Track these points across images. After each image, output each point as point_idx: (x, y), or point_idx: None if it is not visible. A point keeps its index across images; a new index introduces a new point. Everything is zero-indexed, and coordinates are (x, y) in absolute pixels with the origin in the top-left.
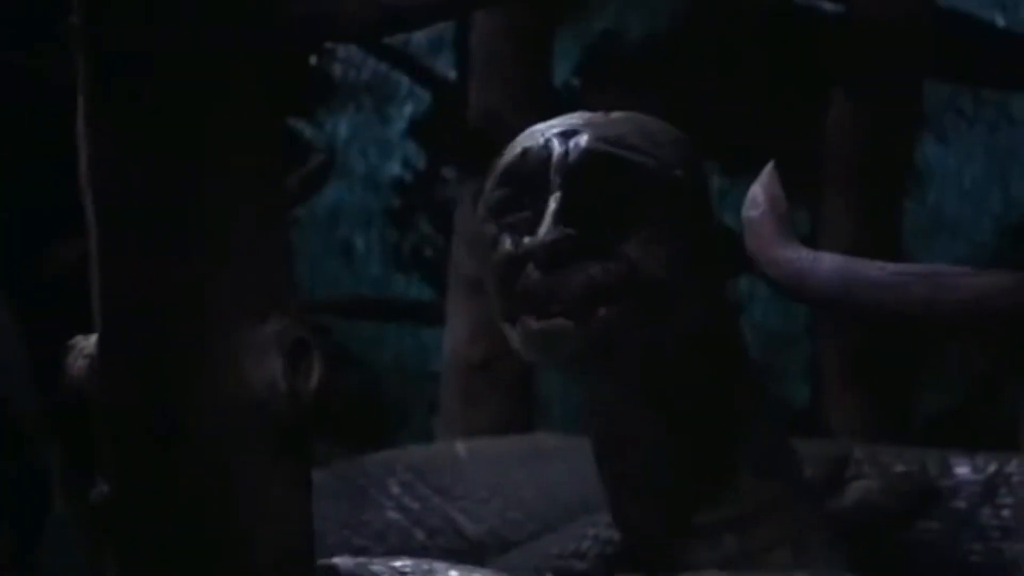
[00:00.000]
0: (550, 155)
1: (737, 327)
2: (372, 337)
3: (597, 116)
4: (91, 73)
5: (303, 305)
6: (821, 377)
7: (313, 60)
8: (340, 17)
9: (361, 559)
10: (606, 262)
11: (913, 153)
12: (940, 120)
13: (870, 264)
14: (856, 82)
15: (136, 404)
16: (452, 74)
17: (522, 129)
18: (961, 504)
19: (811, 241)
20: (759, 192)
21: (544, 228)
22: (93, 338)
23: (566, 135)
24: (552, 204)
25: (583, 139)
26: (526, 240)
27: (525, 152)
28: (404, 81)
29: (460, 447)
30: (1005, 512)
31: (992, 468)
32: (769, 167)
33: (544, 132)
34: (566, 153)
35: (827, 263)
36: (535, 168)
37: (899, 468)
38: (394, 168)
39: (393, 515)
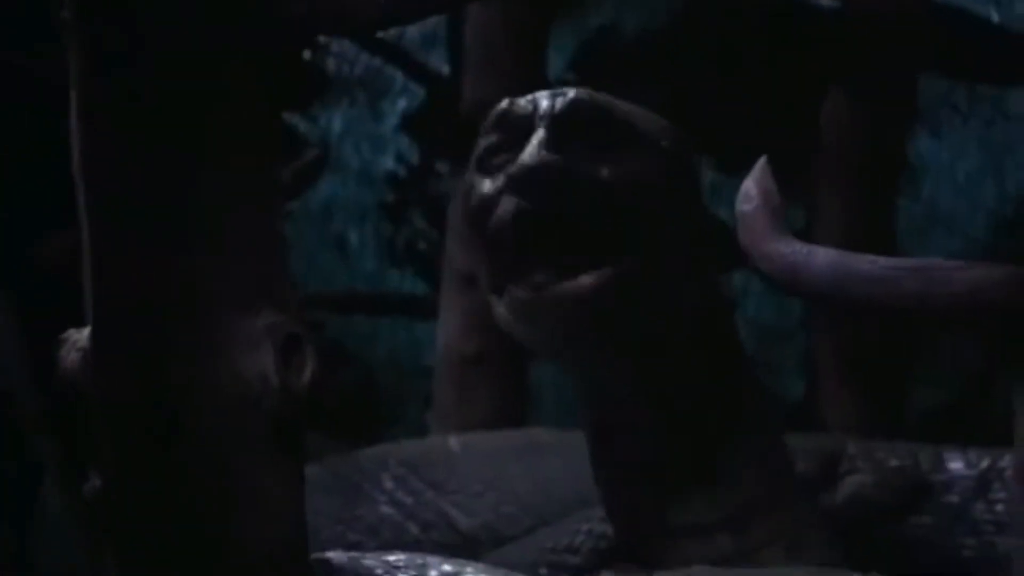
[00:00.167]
0: (537, 106)
1: (732, 323)
2: (366, 332)
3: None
4: (83, 67)
5: (297, 300)
6: (815, 372)
7: (307, 55)
8: (338, 12)
9: (354, 553)
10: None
11: (907, 148)
12: (935, 115)
13: (863, 258)
14: (852, 78)
15: (129, 397)
16: (446, 69)
17: None
18: (954, 499)
19: (805, 236)
20: (752, 187)
21: (526, 154)
22: (86, 331)
23: (555, 93)
24: (536, 137)
25: (571, 93)
26: (510, 169)
27: (513, 103)
28: (398, 76)
29: (453, 441)
30: (998, 507)
31: (985, 463)
32: (762, 162)
33: (534, 93)
34: (553, 104)
35: (820, 257)
36: (521, 117)
37: (893, 463)
38: (388, 163)
39: (386, 509)
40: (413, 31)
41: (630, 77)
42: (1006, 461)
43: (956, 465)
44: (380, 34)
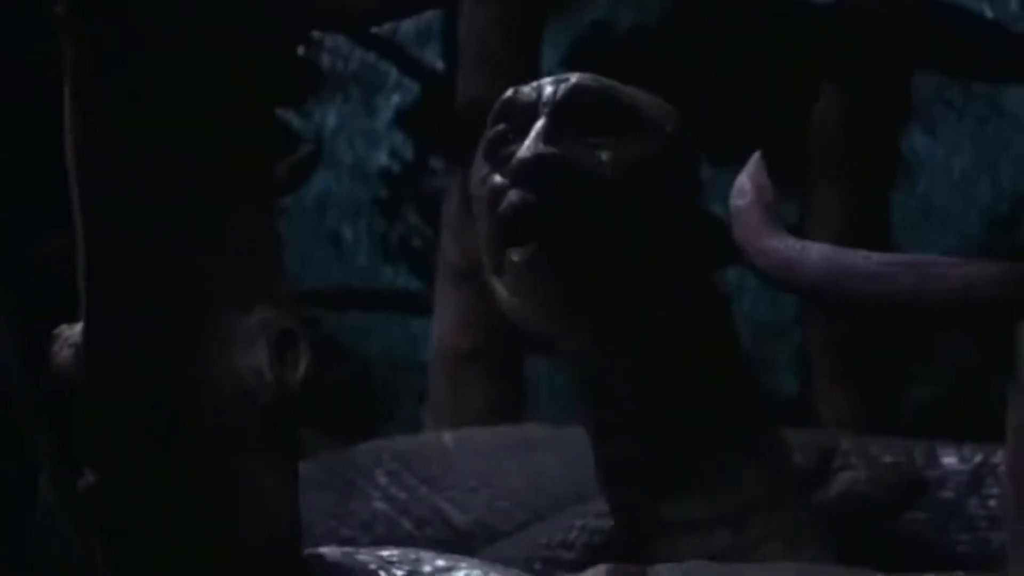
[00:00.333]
0: (540, 93)
1: (730, 319)
2: (360, 328)
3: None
4: (79, 65)
5: (291, 295)
6: (809, 368)
7: (301, 51)
8: (332, 7)
9: (348, 549)
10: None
11: (902, 144)
12: (929, 112)
13: (857, 253)
14: (847, 74)
15: (122, 393)
16: (440, 64)
17: None
18: (949, 494)
19: (799, 231)
20: (746, 182)
21: (526, 147)
22: (78, 327)
23: (559, 80)
24: (537, 127)
25: (574, 78)
26: (511, 162)
27: (517, 91)
28: (392, 71)
29: (448, 437)
30: (992, 502)
31: (979, 458)
32: (756, 157)
33: (539, 80)
34: (556, 91)
35: (814, 252)
36: (525, 105)
37: (887, 459)
38: (382, 158)
39: (380, 505)
40: (407, 27)
41: (624, 73)
42: (1000, 456)
43: (950, 461)
44: (374, 30)
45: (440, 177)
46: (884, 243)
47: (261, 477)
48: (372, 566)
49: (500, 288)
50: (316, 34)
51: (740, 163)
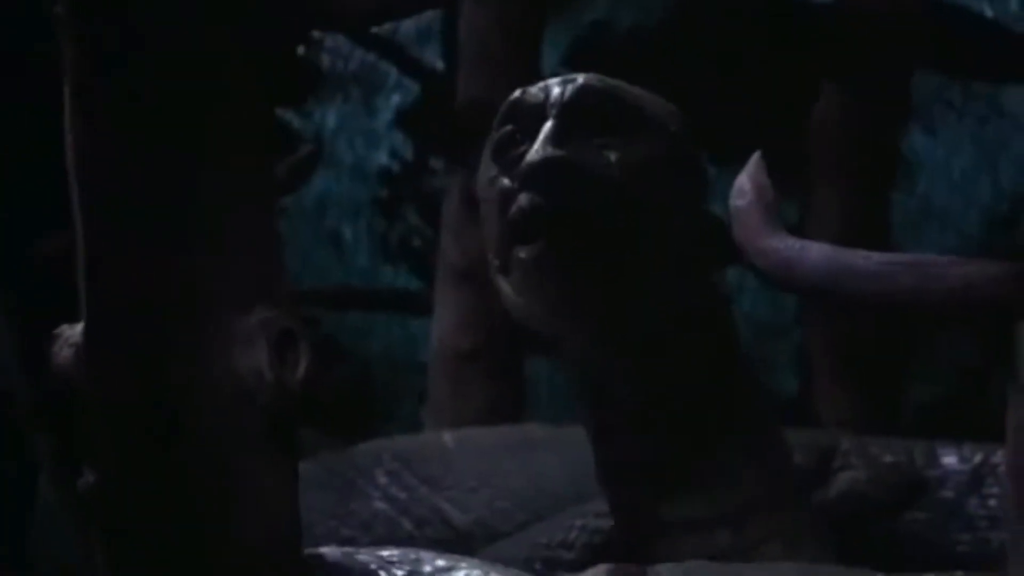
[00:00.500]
0: (548, 95)
1: (730, 319)
2: (360, 328)
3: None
4: (79, 65)
5: (291, 295)
6: (809, 368)
7: (301, 50)
8: (333, 7)
9: (348, 549)
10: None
11: (902, 144)
12: (929, 111)
13: (857, 253)
14: (847, 74)
15: (122, 393)
16: (440, 64)
17: None
18: (949, 494)
19: (799, 231)
20: (746, 182)
21: (534, 150)
22: (78, 327)
23: (565, 80)
24: (545, 130)
25: (580, 79)
26: (520, 166)
27: (525, 92)
28: (392, 71)
29: (448, 437)
30: (992, 502)
31: (979, 458)
32: (756, 157)
33: (545, 81)
34: (563, 92)
35: (814, 252)
36: (533, 106)
37: (887, 459)
38: (382, 158)
39: (380, 505)
40: (407, 27)
41: (624, 73)
42: (1000, 456)
43: (950, 460)
44: (374, 30)
45: (440, 177)
46: (884, 243)
47: (261, 477)
48: (372, 566)
49: (506, 287)
50: (316, 34)
51: (740, 163)
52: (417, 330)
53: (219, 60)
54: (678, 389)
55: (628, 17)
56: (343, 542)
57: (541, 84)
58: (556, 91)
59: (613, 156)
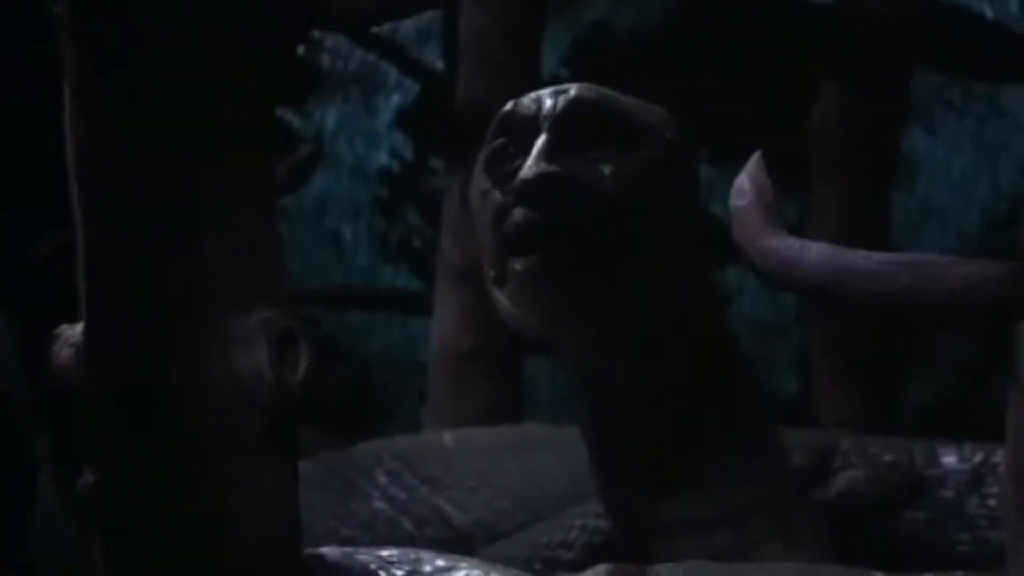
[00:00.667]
0: (540, 107)
1: (727, 319)
2: (360, 327)
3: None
4: (79, 65)
5: (291, 295)
6: (809, 368)
7: (301, 50)
8: (333, 7)
9: (348, 549)
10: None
11: (902, 144)
12: (929, 111)
13: (857, 253)
14: (848, 74)
15: (123, 394)
16: (440, 64)
17: None
18: (948, 494)
19: (799, 231)
20: (746, 182)
21: (528, 166)
22: (78, 327)
23: (558, 92)
24: (538, 145)
25: (573, 91)
26: (513, 181)
27: (517, 104)
28: (392, 71)
29: (448, 437)
30: (992, 501)
31: (979, 458)
32: (755, 157)
33: (539, 91)
34: (555, 104)
35: (814, 252)
36: (526, 118)
37: (886, 458)
38: (382, 158)
39: (380, 505)
40: (407, 27)
41: (624, 73)
42: (1000, 456)
43: (950, 460)
44: (374, 30)
45: (440, 177)
46: (884, 243)
47: (261, 477)
48: (372, 566)
49: (501, 298)
50: (316, 34)
51: (740, 163)
52: (417, 330)
53: (219, 60)
54: (678, 389)
55: (628, 17)
56: (343, 542)
57: (533, 95)
58: (548, 103)
59: (607, 169)
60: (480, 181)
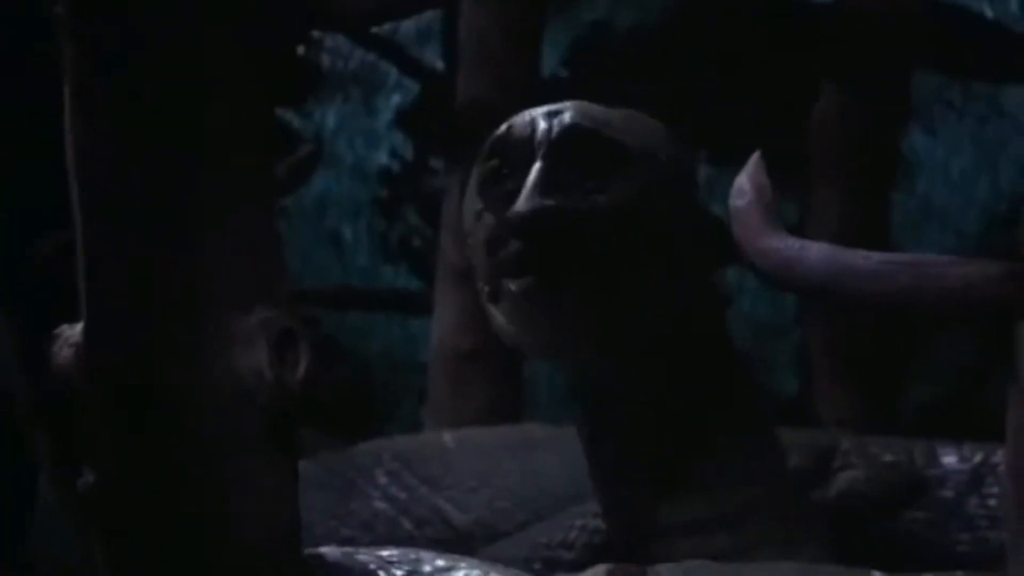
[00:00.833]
0: (535, 130)
1: (724, 321)
2: (360, 327)
3: (587, 103)
4: (79, 65)
5: (291, 295)
6: (809, 368)
7: (301, 50)
8: (333, 7)
9: (348, 549)
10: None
11: (902, 144)
12: (929, 111)
13: (857, 253)
14: (847, 74)
15: (122, 393)
16: (440, 64)
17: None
18: (948, 494)
19: (799, 231)
20: (746, 182)
21: (523, 199)
22: (78, 327)
23: (552, 114)
24: (533, 176)
25: (567, 116)
26: (508, 213)
27: (511, 127)
28: (392, 71)
29: (448, 437)
30: (992, 502)
31: (979, 458)
32: (755, 157)
33: (532, 111)
34: (550, 129)
35: (814, 252)
36: (520, 142)
37: (887, 458)
38: (382, 158)
39: (380, 505)
40: (407, 27)
41: (623, 73)
42: (1000, 456)
43: (950, 460)
44: (374, 30)
45: (440, 177)
46: (884, 243)
47: (261, 477)
48: (372, 566)
49: (497, 314)
50: (316, 34)
51: (740, 163)
52: (417, 330)
53: (219, 60)
54: (677, 389)
55: (628, 17)
56: (343, 542)
57: (527, 117)
58: (543, 127)
59: (602, 200)
60: (473, 202)
